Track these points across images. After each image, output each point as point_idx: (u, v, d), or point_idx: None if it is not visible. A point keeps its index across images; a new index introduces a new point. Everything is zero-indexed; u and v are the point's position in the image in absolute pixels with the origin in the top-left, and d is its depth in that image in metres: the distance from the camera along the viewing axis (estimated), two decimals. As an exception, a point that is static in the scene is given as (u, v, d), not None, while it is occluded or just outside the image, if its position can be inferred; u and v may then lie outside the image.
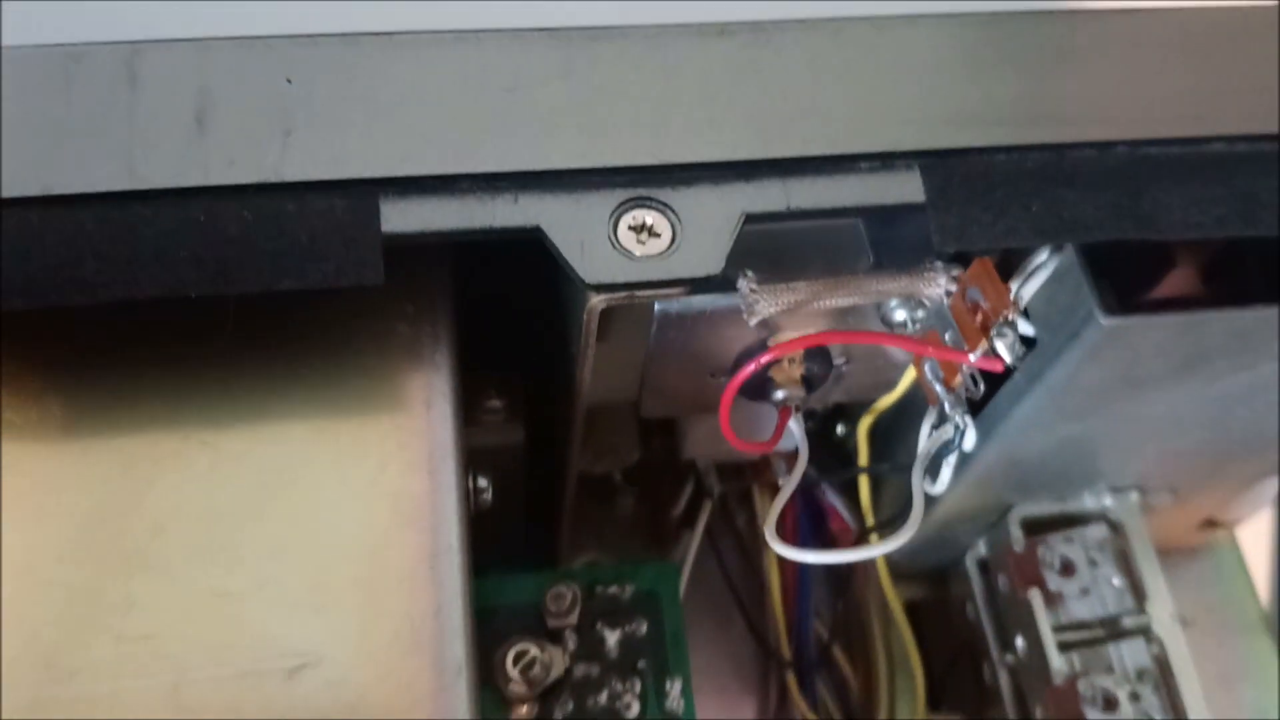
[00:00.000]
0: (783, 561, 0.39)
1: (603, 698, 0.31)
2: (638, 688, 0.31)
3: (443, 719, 0.21)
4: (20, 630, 0.22)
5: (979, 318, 0.27)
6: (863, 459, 0.35)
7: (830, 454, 0.38)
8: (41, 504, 0.23)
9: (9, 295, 0.23)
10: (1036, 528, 0.37)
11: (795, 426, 0.32)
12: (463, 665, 0.22)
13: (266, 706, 0.21)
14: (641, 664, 0.31)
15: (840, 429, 0.38)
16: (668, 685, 0.31)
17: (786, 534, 0.37)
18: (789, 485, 0.32)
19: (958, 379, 0.29)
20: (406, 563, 0.22)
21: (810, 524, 0.39)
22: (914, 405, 0.32)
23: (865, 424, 0.34)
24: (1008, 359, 0.27)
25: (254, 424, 0.24)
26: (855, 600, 0.40)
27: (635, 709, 0.31)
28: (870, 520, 0.36)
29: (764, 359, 0.27)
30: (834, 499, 0.39)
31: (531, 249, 0.24)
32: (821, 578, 0.40)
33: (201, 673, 0.21)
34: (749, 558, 0.41)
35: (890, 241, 0.29)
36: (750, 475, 0.39)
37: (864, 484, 0.36)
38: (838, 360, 0.30)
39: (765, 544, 0.32)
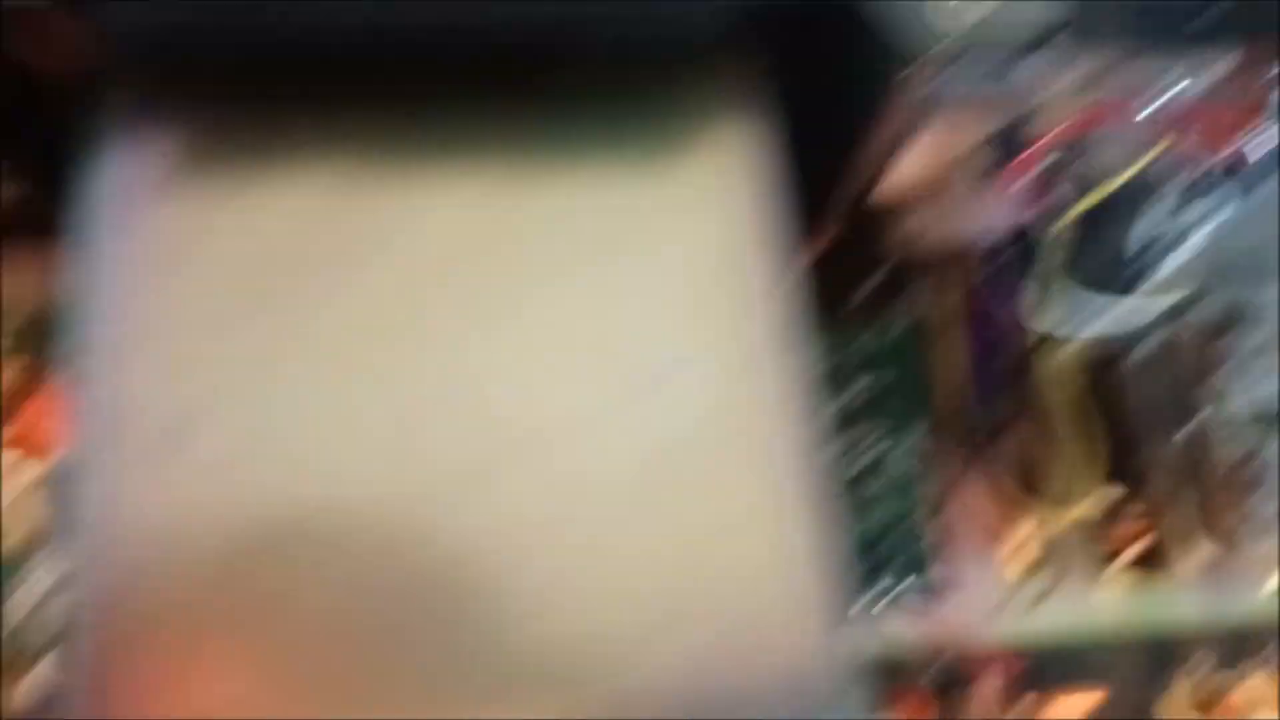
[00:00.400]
0: (965, 342, 0.41)
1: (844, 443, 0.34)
2: (875, 438, 0.34)
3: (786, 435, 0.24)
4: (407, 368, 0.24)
5: (1240, 110, 0.28)
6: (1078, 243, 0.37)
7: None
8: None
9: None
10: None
11: (1024, 208, 0.33)
12: (796, 388, 0.24)
13: (633, 419, 0.24)
14: (879, 416, 0.34)
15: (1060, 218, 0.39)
16: (901, 438, 0.34)
17: (981, 316, 0.39)
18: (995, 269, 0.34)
19: (1204, 168, 0.31)
20: (743, 297, 0.25)
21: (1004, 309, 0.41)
22: (1138, 192, 0.34)
23: (1086, 204, 0.36)
24: (1260, 153, 0.29)
25: (582, 167, 0.26)
26: (1030, 383, 0.43)
27: (872, 457, 0.34)
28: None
29: (1048, 141, 0.29)
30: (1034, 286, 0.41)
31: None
32: (999, 361, 0.43)
33: (568, 389, 0.24)
34: (935, 336, 0.43)
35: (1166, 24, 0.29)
36: (952, 262, 0.41)
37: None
38: (1084, 142, 0.32)
39: (948, 325, 0.34)
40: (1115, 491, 0.42)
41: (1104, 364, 0.44)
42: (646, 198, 0.26)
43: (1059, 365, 0.40)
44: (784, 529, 0.23)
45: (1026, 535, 0.41)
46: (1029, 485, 0.42)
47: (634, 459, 0.24)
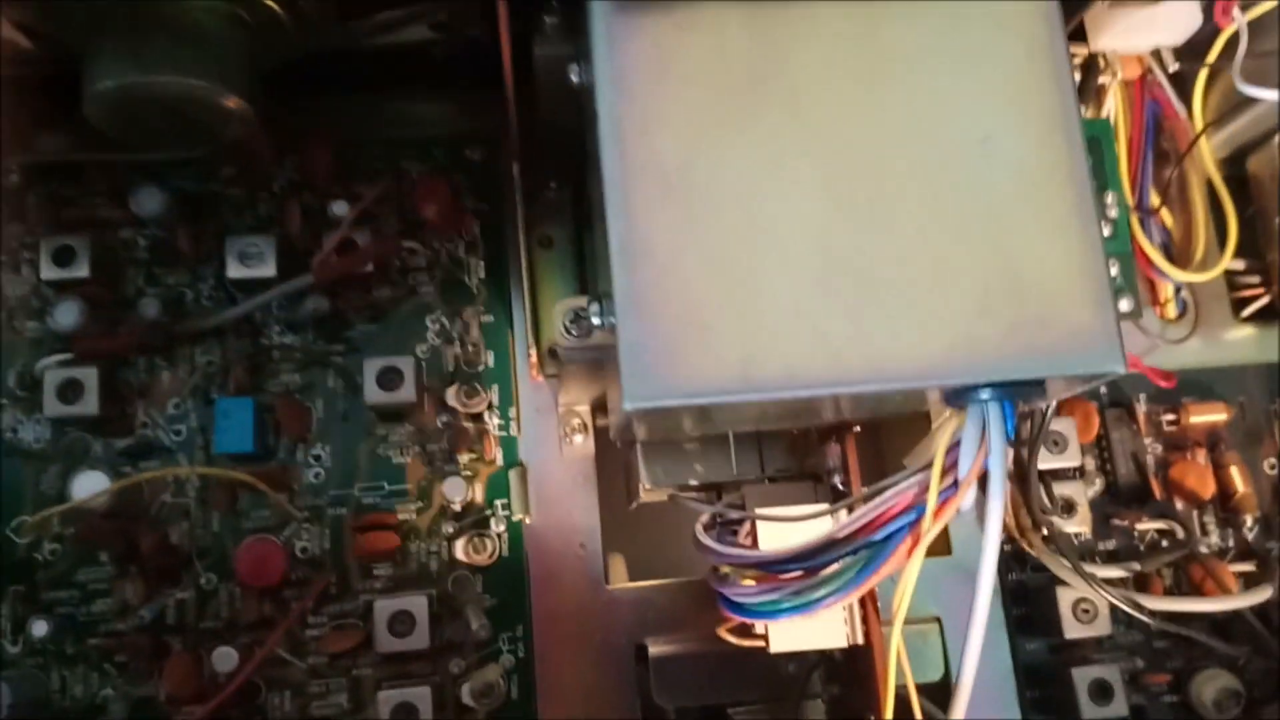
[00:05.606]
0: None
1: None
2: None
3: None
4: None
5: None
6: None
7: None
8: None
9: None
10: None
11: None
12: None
13: (962, 170, 0.35)
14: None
15: None
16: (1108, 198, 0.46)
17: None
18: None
19: None
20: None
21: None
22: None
23: None
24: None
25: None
26: (1181, 171, 0.53)
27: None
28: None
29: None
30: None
31: None
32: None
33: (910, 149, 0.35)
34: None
35: None
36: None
37: None
38: None
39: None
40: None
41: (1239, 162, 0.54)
42: (972, 19, 0.36)
43: (1202, 157, 0.51)
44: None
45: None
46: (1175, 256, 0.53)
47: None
